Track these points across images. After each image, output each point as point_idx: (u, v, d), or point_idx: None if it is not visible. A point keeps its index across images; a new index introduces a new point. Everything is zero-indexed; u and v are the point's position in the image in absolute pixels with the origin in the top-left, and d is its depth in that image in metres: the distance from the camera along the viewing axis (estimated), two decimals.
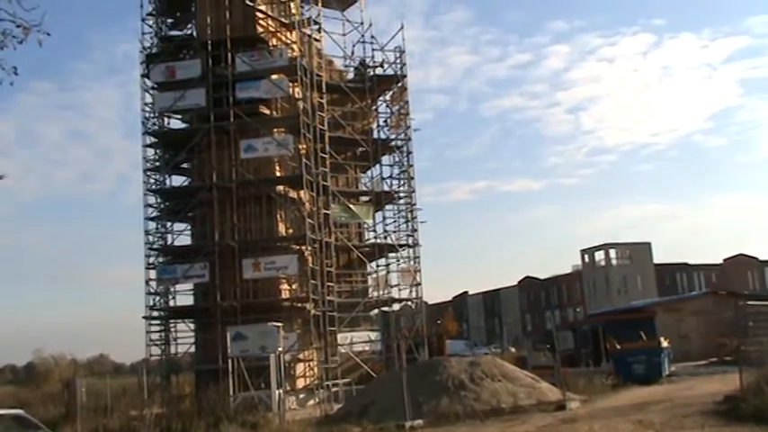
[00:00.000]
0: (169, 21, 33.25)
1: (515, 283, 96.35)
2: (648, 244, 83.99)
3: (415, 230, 33.80)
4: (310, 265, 29.28)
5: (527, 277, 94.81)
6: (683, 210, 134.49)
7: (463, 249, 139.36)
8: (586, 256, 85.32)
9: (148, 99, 31.54)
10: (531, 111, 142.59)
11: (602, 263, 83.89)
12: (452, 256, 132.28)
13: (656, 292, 76.35)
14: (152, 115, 31.55)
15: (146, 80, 31.62)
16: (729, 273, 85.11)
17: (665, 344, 26.78)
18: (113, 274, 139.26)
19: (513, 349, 52.08)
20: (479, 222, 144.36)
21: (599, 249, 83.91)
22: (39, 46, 8.27)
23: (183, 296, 31.47)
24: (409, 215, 34.02)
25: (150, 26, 32.18)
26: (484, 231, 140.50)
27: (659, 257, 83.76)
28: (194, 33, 32.36)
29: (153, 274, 30.41)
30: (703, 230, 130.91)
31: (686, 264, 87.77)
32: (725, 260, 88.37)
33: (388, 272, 33.80)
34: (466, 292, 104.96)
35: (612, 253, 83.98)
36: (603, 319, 34.97)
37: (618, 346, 26.04)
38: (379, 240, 33.99)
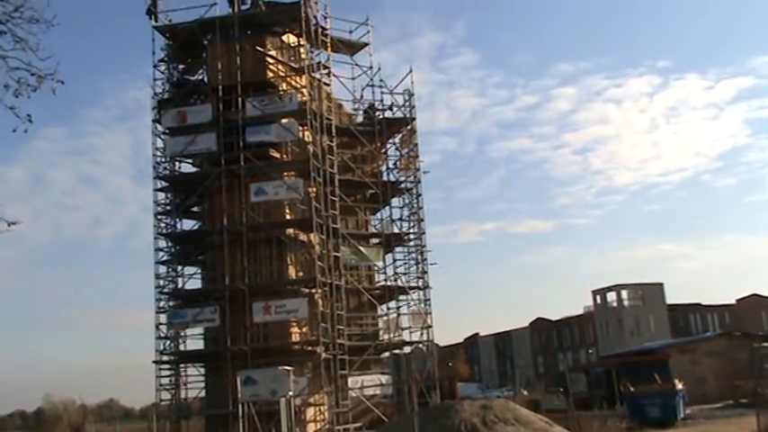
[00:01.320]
0: (180, 67, 33.71)
1: (527, 324, 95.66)
2: (661, 284, 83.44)
3: (426, 272, 33.71)
4: (321, 308, 29.17)
5: (539, 318, 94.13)
6: (694, 249, 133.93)
7: (474, 291, 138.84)
8: (598, 297, 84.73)
9: (160, 144, 31.87)
10: (539, 152, 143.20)
11: (615, 304, 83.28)
12: (463, 298, 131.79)
13: (670, 334, 75.60)
14: (163, 160, 31.84)
15: (157, 125, 31.98)
16: (743, 313, 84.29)
17: (679, 386, 26.44)
18: (123, 319, 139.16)
19: (525, 392, 51.48)
20: (489, 263, 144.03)
21: (611, 290, 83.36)
22: (52, 94, 8.43)
23: (194, 340, 31.42)
24: (419, 257, 33.97)
25: (162, 72, 32.67)
26: (494, 272, 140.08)
27: (672, 298, 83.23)
28: (205, 79, 32.78)
29: (163, 318, 30.36)
30: (716, 270, 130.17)
31: (699, 304, 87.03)
32: (738, 300, 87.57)
33: (399, 314, 33.63)
34: (477, 334, 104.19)
35: (624, 294, 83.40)
36: (617, 361, 34.55)
37: (632, 389, 25.72)
38: (389, 283, 33.85)
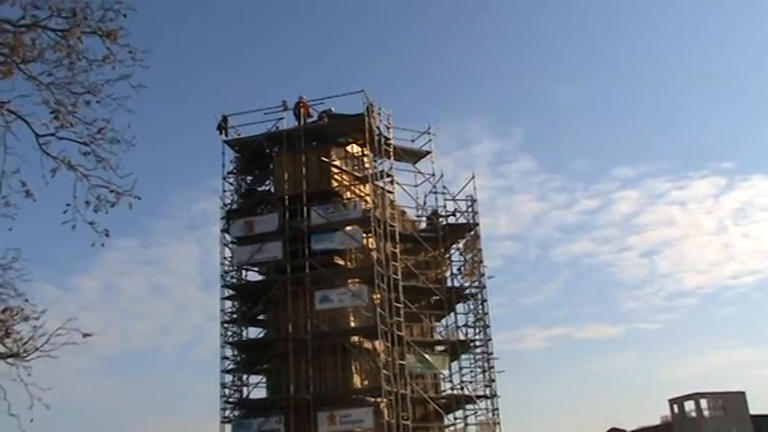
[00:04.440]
0: (248, 178, 34.78)
1: None
2: (742, 393, 79.24)
3: (493, 380, 32.83)
4: (386, 417, 28.55)
5: (612, 429, 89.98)
6: None
7: (542, 399, 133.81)
8: (675, 407, 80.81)
9: (227, 253, 32.55)
10: (603, 255, 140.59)
11: (693, 413, 79.20)
12: (532, 406, 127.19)
13: None
14: (231, 268, 32.42)
15: (225, 234, 32.75)
16: None
17: None
18: (187, 428, 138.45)
19: None
20: (558, 370, 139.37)
21: (688, 399, 79.49)
22: (129, 208, 8.78)
23: None
24: (486, 364, 33.19)
25: (231, 184, 33.74)
26: (563, 379, 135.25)
27: (755, 408, 78.75)
28: (272, 189, 33.68)
29: (228, 428, 30.16)
30: None
31: None
32: None
33: (467, 424, 32.67)
34: None
35: (704, 403, 79.36)
36: None
37: None
38: (455, 391, 33.07)
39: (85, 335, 9.92)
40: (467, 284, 34.52)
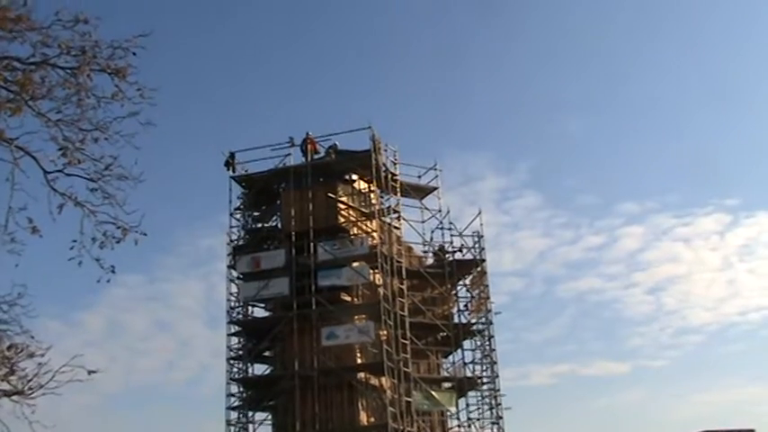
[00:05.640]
0: (255, 214, 34.85)
1: None
2: (752, 431, 78.22)
3: (500, 418, 32.49)
4: None
5: None
6: None
7: None
8: None
9: (234, 289, 32.48)
10: (609, 292, 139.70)
11: None
12: None
13: None
14: (237, 304, 32.34)
15: (232, 270, 32.72)
16: None
17: None
18: None
19: None
20: (564, 407, 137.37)
21: None
22: (135, 245, 8.79)
23: None
24: (493, 401, 32.89)
25: (237, 220, 33.82)
26: (570, 416, 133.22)
27: None
28: (279, 225, 33.70)
29: None
30: None
31: None
32: None
33: None
34: None
35: None
36: None
37: None
38: (463, 429, 32.73)
39: (90, 371, 9.89)
40: (473, 321, 34.34)
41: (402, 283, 31.58)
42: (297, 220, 31.98)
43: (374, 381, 30.68)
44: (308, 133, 33.70)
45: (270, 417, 32.12)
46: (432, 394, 31.66)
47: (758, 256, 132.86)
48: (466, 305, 35.17)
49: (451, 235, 34.68)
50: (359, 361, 30.96)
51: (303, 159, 33.50)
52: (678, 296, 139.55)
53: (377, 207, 33.07)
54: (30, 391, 9.75)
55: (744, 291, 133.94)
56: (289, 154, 33.08)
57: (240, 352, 31.97)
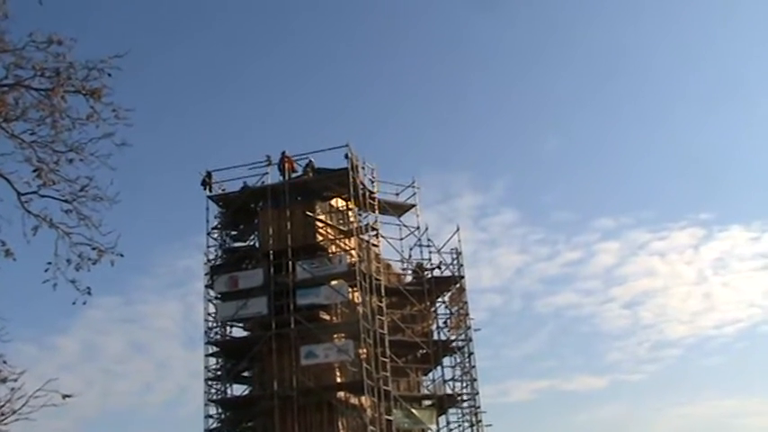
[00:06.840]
0: (233, 233, 34.67)
1: None
2: None
3: None
4: None
5: None
6: (759, 405, 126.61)
7: None
8: None
9: (211, 309, 32.21)
10: (587, 307, 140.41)
11: None
12: None
13: None
14: (214, 325, 32.07)
15: (209, 290, 32.48)
16: None
17: None
18: None
19: None
20: (545, 423, 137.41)
21: None
22: (111, 266, 8.71)
23: None
24: (474, 419, 32.79)
25: (215, 239, 33.59)
26: None
27: None
28: (257, 244, 33.56)
29: None
30: None
31: None
32: None
33: None
34: None
35: None
36: None
37: None
38: None
39: (65, 396, 9.73)
40: (453, 338, 34.30)
41: (381, 301, 31.52)
42: (275, 238, 31.86)
43: (354, 400, 30.51)
44: (284, 152, 33.67)
45: None
46: (412, 412, 31.53)
47: (732, 270, 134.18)
48: (445, 322, 35.17)
49: (430, 252, 34.73)
50: (338, 380, 30.78)
51: (281, 178, 33.48)
52: (655, 310, 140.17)
53: (355, 225, 33.03)
54: (2, 417, 9.58)
55: (719, 304, 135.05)
56: (266, 173, 33.07)
57: (218, 373, 31.68)
